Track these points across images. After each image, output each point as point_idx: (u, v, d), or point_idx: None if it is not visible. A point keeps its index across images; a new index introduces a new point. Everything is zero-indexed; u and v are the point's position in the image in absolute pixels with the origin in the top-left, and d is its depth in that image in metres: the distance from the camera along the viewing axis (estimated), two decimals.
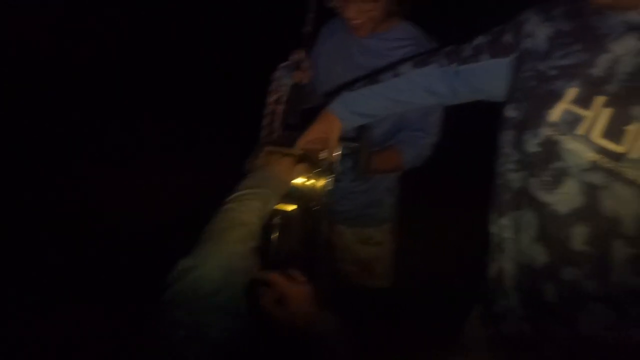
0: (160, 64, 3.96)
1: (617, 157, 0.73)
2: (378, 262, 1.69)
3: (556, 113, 0.80)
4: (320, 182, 0.98)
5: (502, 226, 0.90)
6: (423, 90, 1.05)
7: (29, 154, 2.79)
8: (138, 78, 3.79)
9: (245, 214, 0.75)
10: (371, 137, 1.08)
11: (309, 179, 0.97)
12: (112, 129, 3.19)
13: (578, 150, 0.77)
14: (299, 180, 0.96)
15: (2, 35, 3.63)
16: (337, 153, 1.02)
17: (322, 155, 1.01)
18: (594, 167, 0.75)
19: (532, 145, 0.83)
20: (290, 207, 0.98)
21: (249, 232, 0.73)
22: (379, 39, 1.35)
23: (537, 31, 0.89)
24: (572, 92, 0.79)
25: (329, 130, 1.06)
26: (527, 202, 0.85)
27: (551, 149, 0.80)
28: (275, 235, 0.94)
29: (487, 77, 0.98)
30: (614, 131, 0.73)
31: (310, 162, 0.97)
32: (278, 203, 0.87)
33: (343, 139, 1.04)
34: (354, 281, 1.71)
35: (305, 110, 1.17)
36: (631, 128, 0.72)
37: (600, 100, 0.75)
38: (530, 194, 0.84)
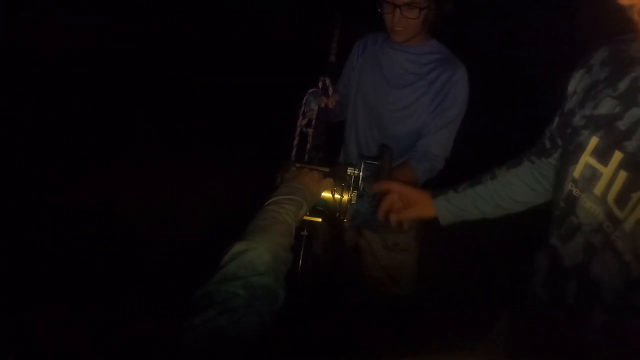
0: (196, 81, 4.11)
1: (616, 224, 0.71)
2: (403, 268, 1.74)
3: (578, 168, 0.80)
4: (345, 197, 1.06)
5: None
6: (519, 189, 1.10)
7: (54, 154, 2.94)
8: (171, 90, 3.94)
9: (283, 215, 0.85)
10: (392, 156, 1.17)
11: (335, 193, 1.05)
12: (136, 136, 3.34)
13: (592, 210, 0.76)
14: (326, 194, 1.05)
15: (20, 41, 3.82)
16: (360, 170, 1.10)
17: (348, 172, 1.09)
18: (600, 229, 0.74)
19: (560, 200, 0.85)
20: (317, 219, 1.07)
21: (288, 229, 0.83)
22: (408, 52, 1.45)
23: (578, 87, 0.88)
24: (593, 142, 0.78)
25: (418, 204, 1.16)
26: (546, 248, 0.89)
27: (571, 205, 0.81)
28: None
29: None
30: (623, 196, 0.71)
31: (337, 178, 1.05)
32: (308, 211, 0.95)
33: (365, 157, 1.13)
34: (379, 287, 1.77)
35: (330, 131, 1.28)
36: (635, 196, 0.69)
37: (617, 157, 0.72)
38: (549, 243, 0.87)
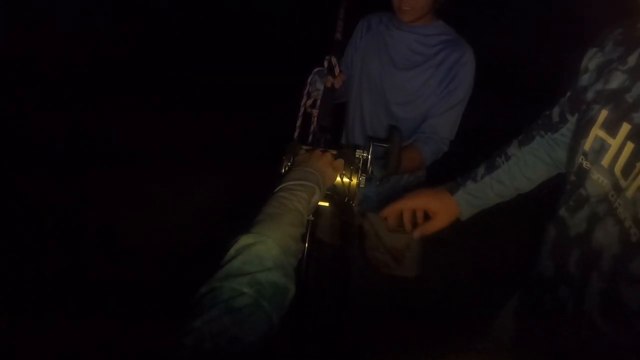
0: (196, 81, 4.03)
1: (619, 192, 0.72)
2: (407, 249, 1.73)
3: (589, 141, 0.80)
4: (354, 180, 1.02)
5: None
6: (534, 165, 1.09)
7: (52, 158, 2.88)
8: (169, 78, 3.87)
9: (294, 202, 0.79)
10: (401, 138, 1.13)
11: (343, 176, 1.00)
12: (130, 133, 3.27)
13: (600, 182, 0.77)
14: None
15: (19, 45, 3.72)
16: (369, 153, 1.05)
17: (356, 154, 1.05)
18: (605, 198, 0.75)
19: (571, 174, 0.86)
20: (325, 204, 1.03)
21: (299, 218, 0.77)
22: (416, 32, 1.40)
23: (590, 64, 0.89)
24: (603, 115, 0.79)
25: (439, 213, 1.11)
26: (554, 219, 0.90)
27: (581, 178, 0.82)
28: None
29: None
30: (628, 166, 0.71)
31: (346, 160, 1.01)
32: (321, 198, 0.89)
33: (375, 139, 1.09)
34: (383, 269, 1.77)
35: (336, 112, 1.23)
36: (639, 165, 0.69)
37: (625, 128, 0.73)
38: (559, 214, 0.88)
